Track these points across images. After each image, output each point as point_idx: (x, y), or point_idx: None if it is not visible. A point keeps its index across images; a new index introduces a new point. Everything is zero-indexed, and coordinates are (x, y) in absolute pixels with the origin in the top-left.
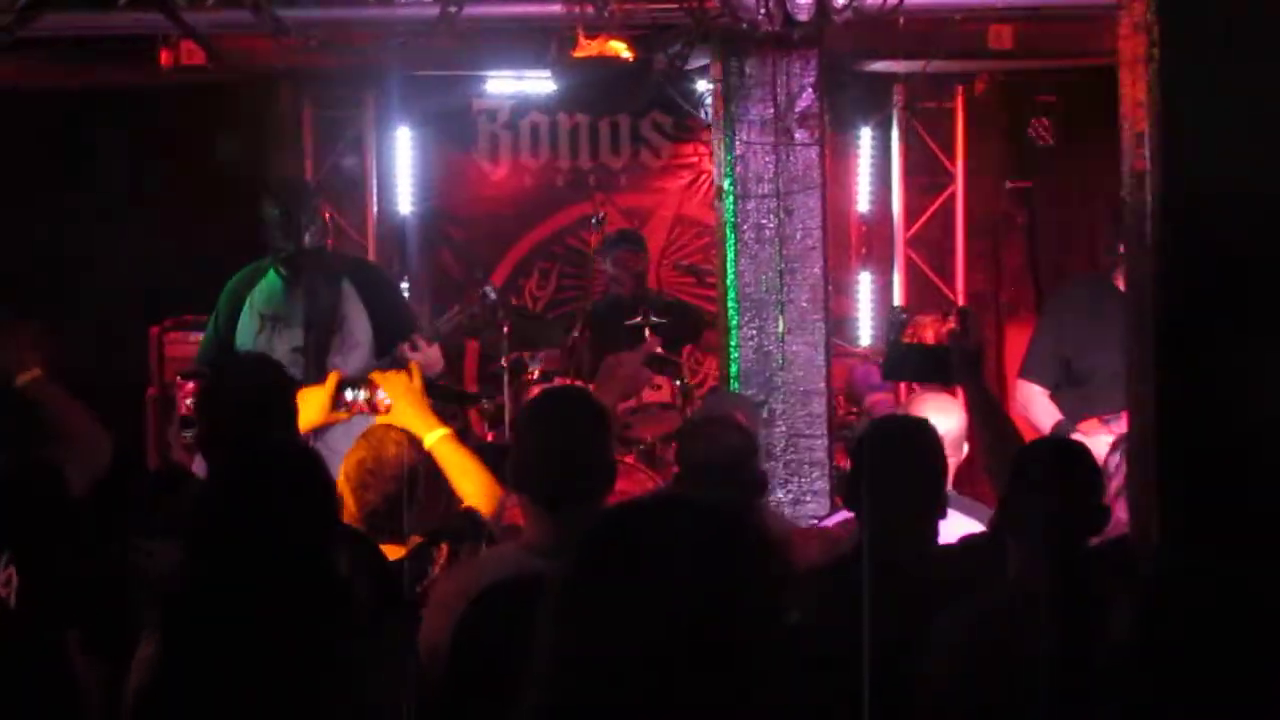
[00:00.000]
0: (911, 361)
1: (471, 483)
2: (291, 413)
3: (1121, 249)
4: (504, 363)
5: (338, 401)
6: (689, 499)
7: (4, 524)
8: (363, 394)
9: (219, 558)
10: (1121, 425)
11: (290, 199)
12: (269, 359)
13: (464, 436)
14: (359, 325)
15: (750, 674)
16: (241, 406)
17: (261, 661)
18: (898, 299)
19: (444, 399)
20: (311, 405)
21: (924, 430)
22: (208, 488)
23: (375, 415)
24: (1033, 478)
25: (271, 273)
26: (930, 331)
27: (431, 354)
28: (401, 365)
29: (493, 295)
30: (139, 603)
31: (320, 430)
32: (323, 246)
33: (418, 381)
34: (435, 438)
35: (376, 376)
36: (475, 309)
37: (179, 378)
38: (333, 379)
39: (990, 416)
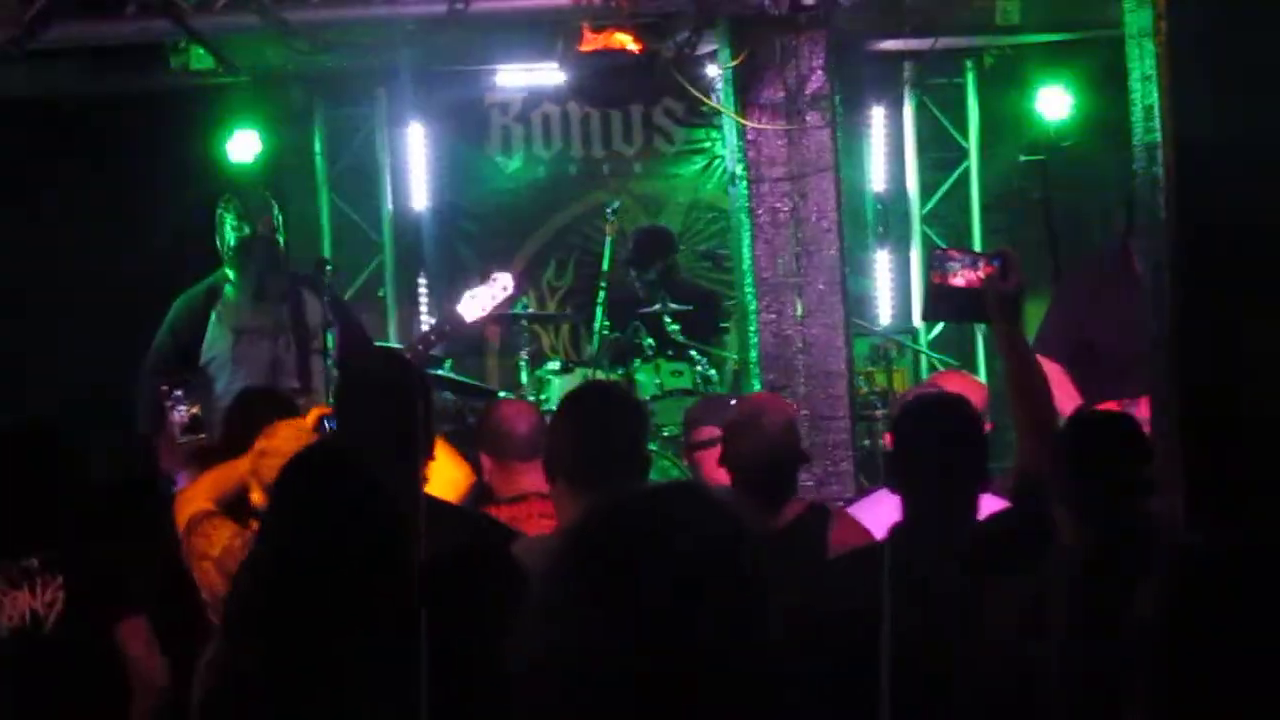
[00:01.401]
0: (948, 302)
1: (439, 471)
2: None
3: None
4: (523, 355)
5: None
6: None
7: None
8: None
9: (290, 564)
10: (1141, 409)
11: (246, 193)
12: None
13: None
14: (322, 332)
15: (751, 669)
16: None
17: (327, 670)
18: (915, 277)
19: (464, 393)
20: (287, 436)
21: (965, 405)
22: (278, 499)
23: None
24: (1087, 451)
25: (229, 289)
26: (961, 277)
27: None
28: None
29: (509, 287)
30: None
31: None
32: (274, 242)
33: None
34: None
35: None
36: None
37: (164, 386)
38: (314, 414)
39: (1021, 363)
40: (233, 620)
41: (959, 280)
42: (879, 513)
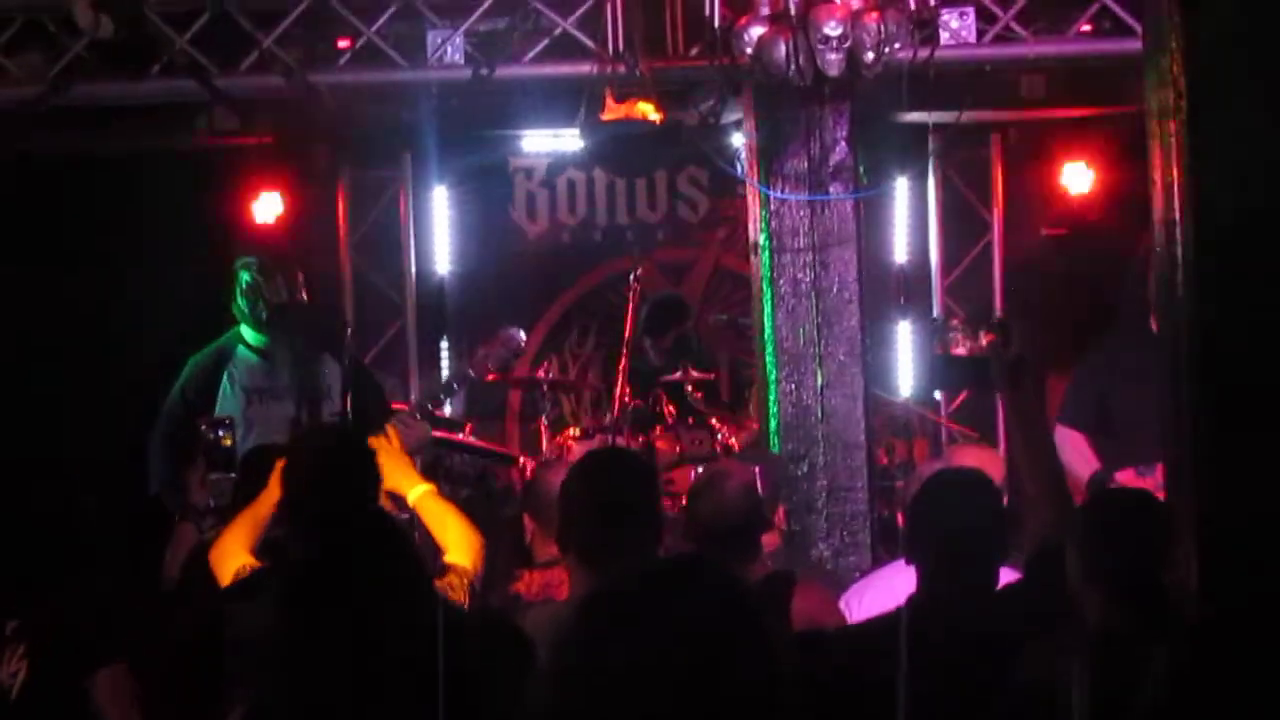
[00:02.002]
0: (951, 371)
1: (453, 535)
2: (377, 481)
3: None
4: (544, 421)
5: None
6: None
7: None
8: None
9: (314, 625)
10: (1157, 476)
11: (264, 258)
12: (346, 429)
13: (506, 497)
14: (339, 392)
15: None
16: (327, 479)
17: None
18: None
19: (483, 456)
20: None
21: (985, 483)
22: (303, 558)
23: None
24: (1111, 528)
25: (243, 349)
26: (963, 346)
27: (419, 430)
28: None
29: (521, 338)
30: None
31: None
32: (309, 311)
33: (396, 443)
34: (418, 494)
35: None
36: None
37: (202, 425)
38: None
39: (1029, 430)
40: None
41: (960, 350)
42: (896, 583)
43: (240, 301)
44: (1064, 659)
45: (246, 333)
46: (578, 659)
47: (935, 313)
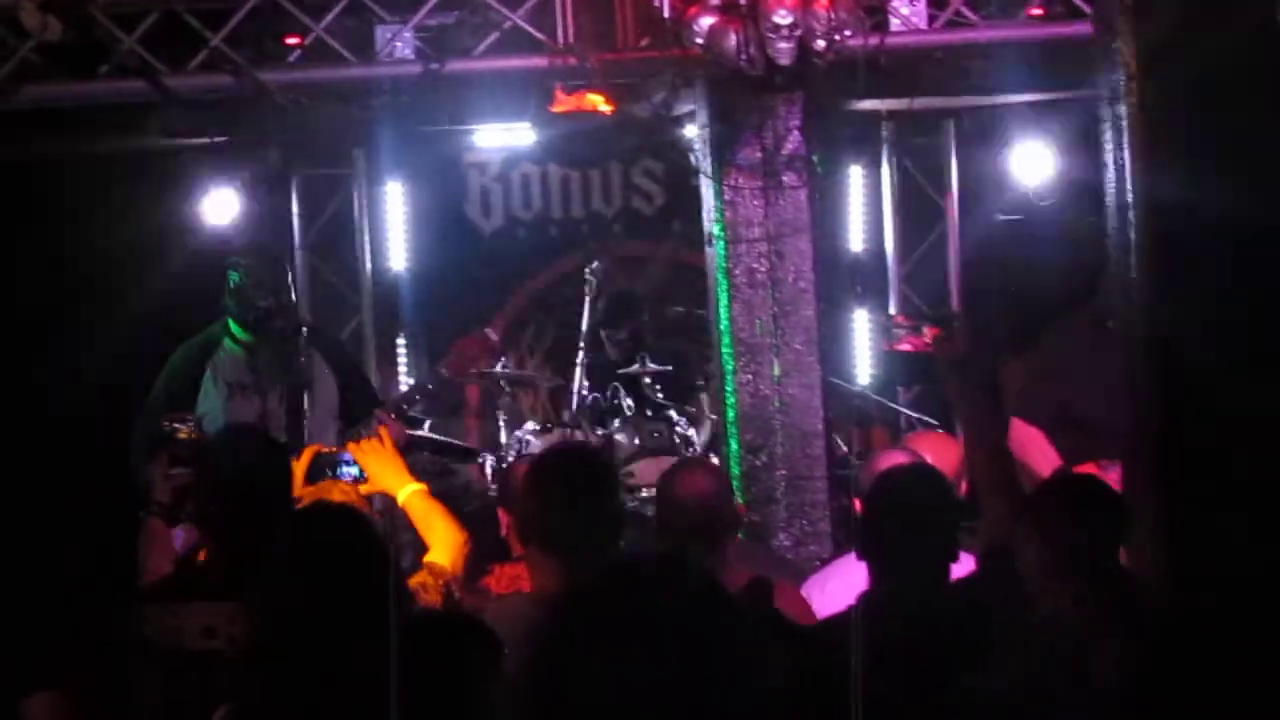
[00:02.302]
0: (897, 367)
1: (438, 535)
2: (289, 481)
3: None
4: (502, 416)
5: (314, 474)
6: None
7: None
8: (343, 469)
9: (288, 628)
10: (1117, 470)
11: (258, 260)
12: (257, 430)
13: (467, 491)
14: (328, 389)
15: None
16: (240, 482)
17: None
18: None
19: (443, 454)
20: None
21: (936, 480)
22: (273, 558)
23: (355, 485)
24: (1058, 515)
25: (228, 341)
26: (908, 343)
27: (395, 429)
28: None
29: (494, 337)
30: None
31: None
32: (292, 306)
33: (389, 443)
34: (407, 493)
35: (350, 447)
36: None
37: (165, 422)
38: (308, 453)
39: (977, 423)
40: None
41: (905, 346)
42: (847, 575)
43: (228, 301)
44: (1015, 650)
45: (234, 328)
46: (550, 659)
47: (892, 301)
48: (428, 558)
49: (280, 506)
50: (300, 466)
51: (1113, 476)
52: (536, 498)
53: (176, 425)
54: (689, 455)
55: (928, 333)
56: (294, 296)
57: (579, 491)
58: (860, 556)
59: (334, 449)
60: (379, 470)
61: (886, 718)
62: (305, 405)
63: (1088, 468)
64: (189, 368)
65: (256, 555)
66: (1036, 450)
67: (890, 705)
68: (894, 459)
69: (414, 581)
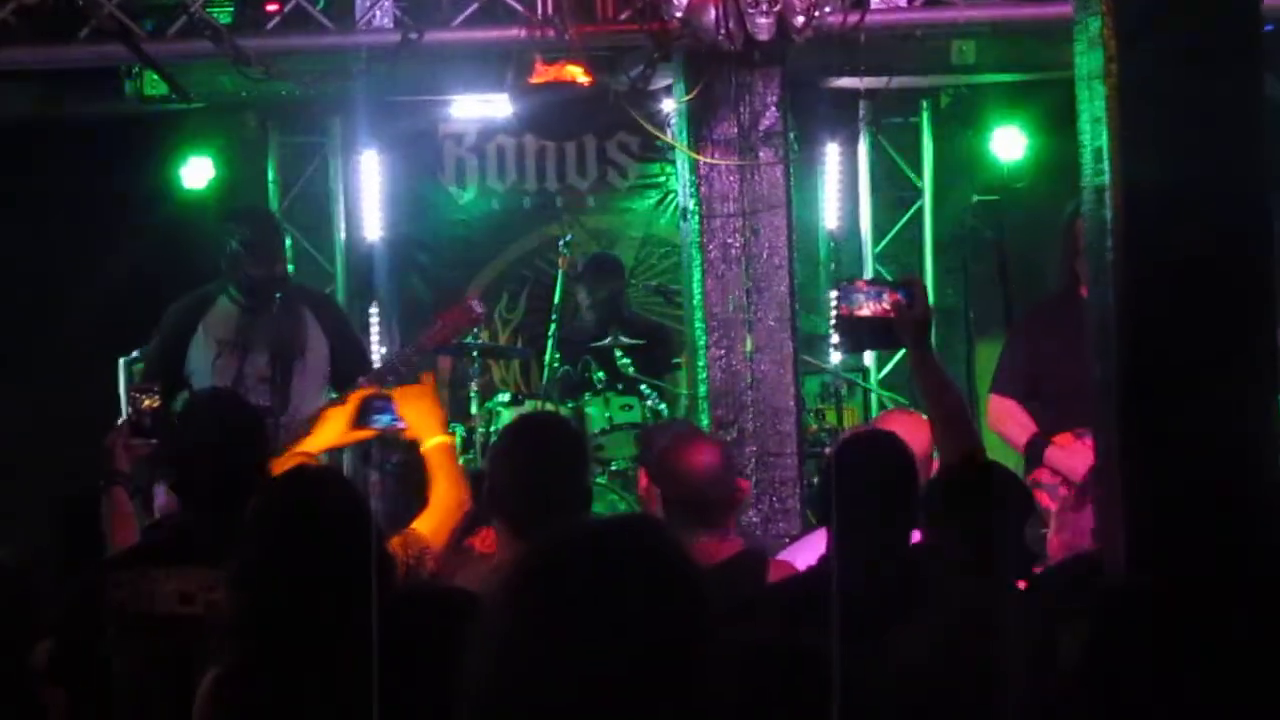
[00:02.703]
0: (855, 333)
1: (437, 494)
2: (264, 442)
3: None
4: (474, 387)
5: (361, 421)
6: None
7: None
8: (386, 416)
9: (272, 588)
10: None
11: (255, 227)
12: (235, 394)
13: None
14: (319, 353)
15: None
16: (216, 443)
17: (327, 689)
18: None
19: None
20: (333, 425)
21: (892, 444)
22: (253, 518)
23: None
24: (952, 502)
25: (224, 299)
26: (867, 308)
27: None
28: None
29: (480, 307)
30: (106, 632)
31: None
32: (285, 274)
33: (430, 389)
34: (430, 444)
35: (395, 392)
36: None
37: (132, 391)
38: (355, 398)
39: (938, 388)
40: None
41: (864, 311)
42: (817, 551)
43: (224, 264)
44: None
45: (230, 286)
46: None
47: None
48: (415, 523)
49: (258, 471)
50: (346, 412)
51: (1087, 444)
52: (504, 470)
53: (138, 394)
54: (676, 422)
55: (888, 298)
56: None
57: (546, 468)
58: (819, 521)
59: (381, 393)
60: (416, 416)
61: (822, 672)
62: (295, 367)
63: (1064, 439)
64: (180, 325)
65: (233, 521)
66: (1013, 423)
67: (825, 661)
68: (874, 433)
69: (392, 544)
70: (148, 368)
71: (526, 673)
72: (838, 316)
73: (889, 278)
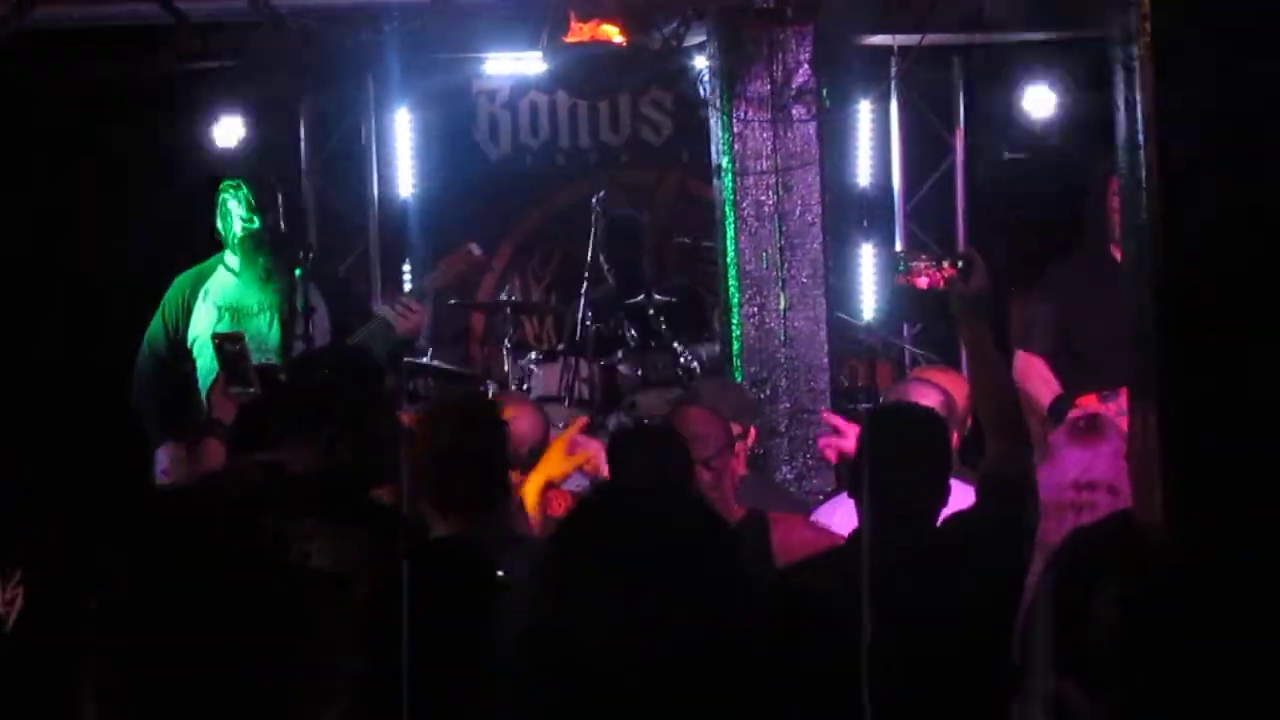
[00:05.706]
0: (912, 302)
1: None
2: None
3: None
4: (506, 344)
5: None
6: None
7: (21, 536)
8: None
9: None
10: (1120, 401)
11: (245, 186)
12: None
13: None
14: (322, 317)
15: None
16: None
17: None
18: None
19: (446, 379)
20: (554, 457)
21: (929, 421)
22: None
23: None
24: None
25: (223, 267)
26: (924, 278)
27: (416, 318)
28: (384, 324)
29: (478, 251)
30: None
31: None
32: (281, 235)
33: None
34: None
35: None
36: (462, 266)
37: (217, 339)
38: (577, 424)
39: (986, 364)
40: None
41: (922, 281)
42: (841, 515)
43: (218, 223)
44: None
45: (227, 253)
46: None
47: (898, 236)
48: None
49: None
50: (565, 440)
51: (1113, 407)
52: (424, 456)
53: (225, 343)
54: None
55: (946, 270)
56: (281, 222)
57: (461, 452)
58: (850, 495)
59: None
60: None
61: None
62: (300, 331)
63: (1089, 399)
64: (180, 298)
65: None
66: (1038, 378)
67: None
68: (917, 390)
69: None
70: (152, 342)
71: (580, 616)
72: (894, 285)
73: (938, 250)
